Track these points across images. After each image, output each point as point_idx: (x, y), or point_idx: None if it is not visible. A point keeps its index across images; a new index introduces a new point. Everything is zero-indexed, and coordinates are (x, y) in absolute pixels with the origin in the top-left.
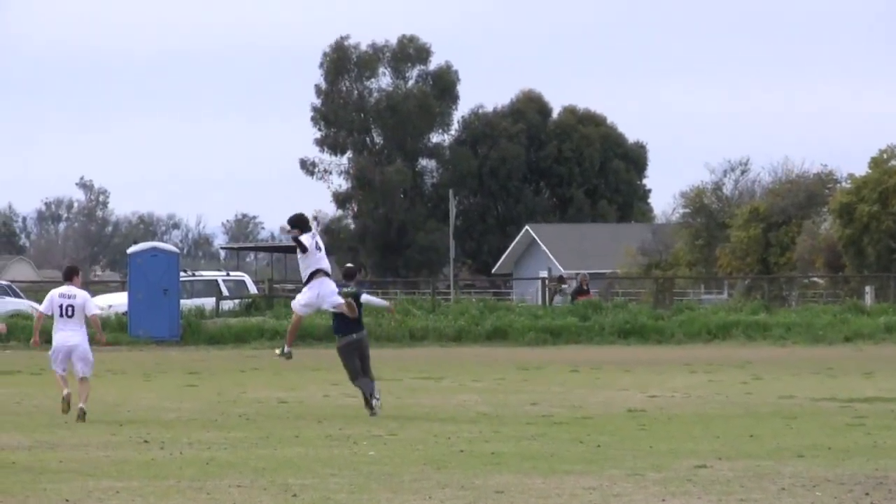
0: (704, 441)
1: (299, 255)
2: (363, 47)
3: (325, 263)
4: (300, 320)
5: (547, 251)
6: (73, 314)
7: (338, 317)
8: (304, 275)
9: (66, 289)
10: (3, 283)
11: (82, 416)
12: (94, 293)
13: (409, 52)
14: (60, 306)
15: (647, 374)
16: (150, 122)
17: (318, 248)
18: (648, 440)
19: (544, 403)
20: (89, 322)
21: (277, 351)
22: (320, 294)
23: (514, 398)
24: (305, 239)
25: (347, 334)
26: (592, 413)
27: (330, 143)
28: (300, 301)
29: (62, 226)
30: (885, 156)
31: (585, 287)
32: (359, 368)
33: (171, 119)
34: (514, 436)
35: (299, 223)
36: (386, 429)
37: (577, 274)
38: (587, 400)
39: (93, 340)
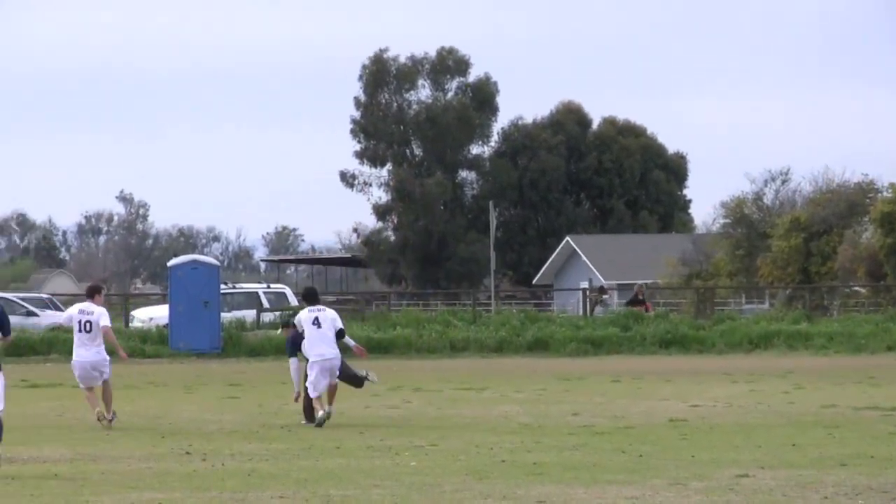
0: (746, 450)
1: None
2: (402, 59)
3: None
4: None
5: (588, 262)
6: (91, 329)
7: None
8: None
9: (86, 305)
10: (44, 296)
11: (111, 421)
12: (134, 306)
13: (449, 64)
14: (80, 322)
15: (688, 383)
16: (190, 135)
17: (317, 324)
18: (690, 450)
19: (586, 413)
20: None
21: (321, 413)
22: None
23: (556, 408)
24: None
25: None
26: (634, 423)
27: (370, 156)
28: (310, 389)
29: (102, 239)
30: None
31: (641, 297)
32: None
33: (211, 132)
34: (555, 446)
35: (307, 296)
36: (427, 439)
37: (634, 284)
38: (629, 410)
39: (112, 353)
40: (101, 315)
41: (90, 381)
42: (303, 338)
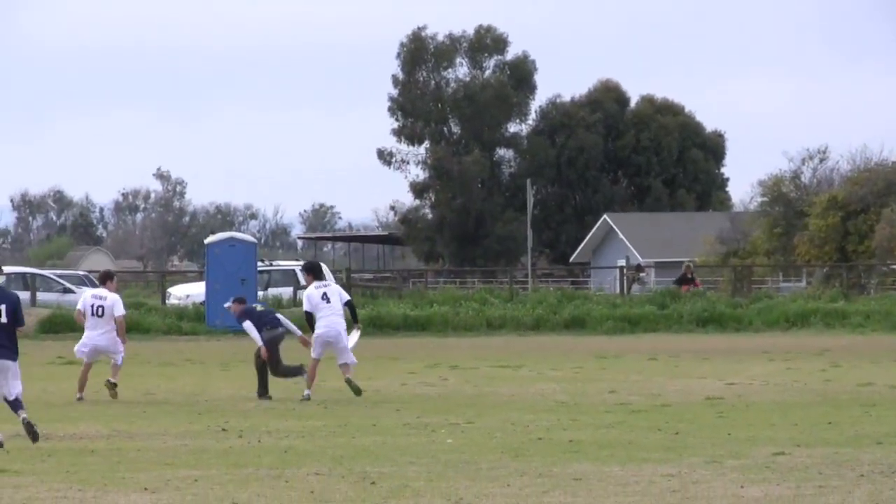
0: (783, 428)
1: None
2: (440, 38)
3: (333, 317)
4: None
5: (625, 240)
6: (102, 314)
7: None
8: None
9: (99, 291)
10: (81, 273)
11: (112, 387)
12: (171, 283)
13: (487, 42)
14: (92, 306)
15: (725, 362)
16: (227, 113)
17: (326, 299)
18: (727, 428)
19: (622, 392)
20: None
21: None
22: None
23: (592, 387)
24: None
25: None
26: (671, 401)
27: (407, 134)
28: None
29: (139, 216)
30: None
31: (690, 276)
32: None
33: (249, 110)
34: (592, 424)
35: (312, 270)
36: (464, 417)
37: (683, 263)
38: (665, 388)
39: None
40: (115, 303)
41: (93, 357)
42: (255, 317)
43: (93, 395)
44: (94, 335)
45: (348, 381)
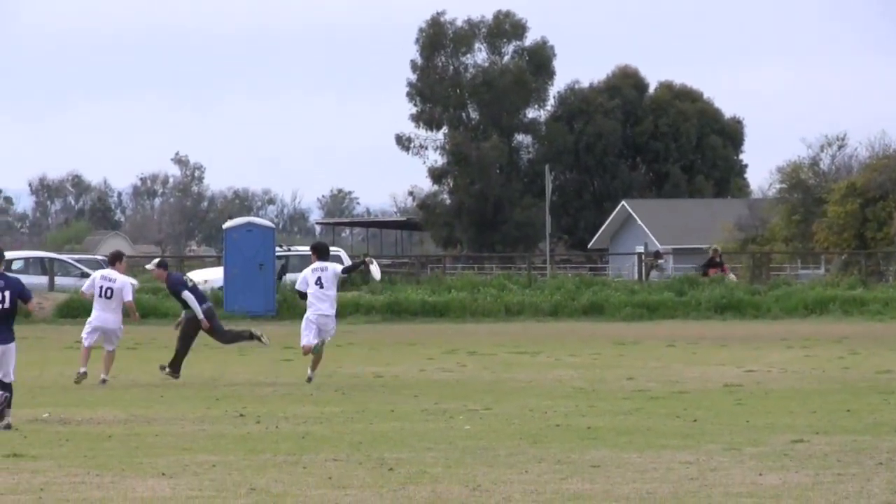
0: (801, 416)
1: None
2: (459, 23)
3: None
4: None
5: (643, 226)
6: (111, 296)
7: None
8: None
9: (108, 272)
10: (99, 258)
11: (103, 383)
12: (189, 268)
13: (505, 27)
14: (101, 288)
15: (743, 349)
16: (245, 98)
17: (319, 284)
18: (745, 415)
19: (640, 378)
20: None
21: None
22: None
23: (610, 373)
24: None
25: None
26: (689, 388)
27: (426, 119)
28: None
29: (157, 201)
30: None
31: (718, 259)
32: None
33: (268, 94)
34: (610, 410)
35: (316, 250)
36: (482, 403)
37: (710, 247)
38: (683, 375)
39: (126, 315)
40: (124, 285)
41: (98, 341)
42: (191, 288)
43: (109, 381)
44: (102, 316)
45: (309, 379)
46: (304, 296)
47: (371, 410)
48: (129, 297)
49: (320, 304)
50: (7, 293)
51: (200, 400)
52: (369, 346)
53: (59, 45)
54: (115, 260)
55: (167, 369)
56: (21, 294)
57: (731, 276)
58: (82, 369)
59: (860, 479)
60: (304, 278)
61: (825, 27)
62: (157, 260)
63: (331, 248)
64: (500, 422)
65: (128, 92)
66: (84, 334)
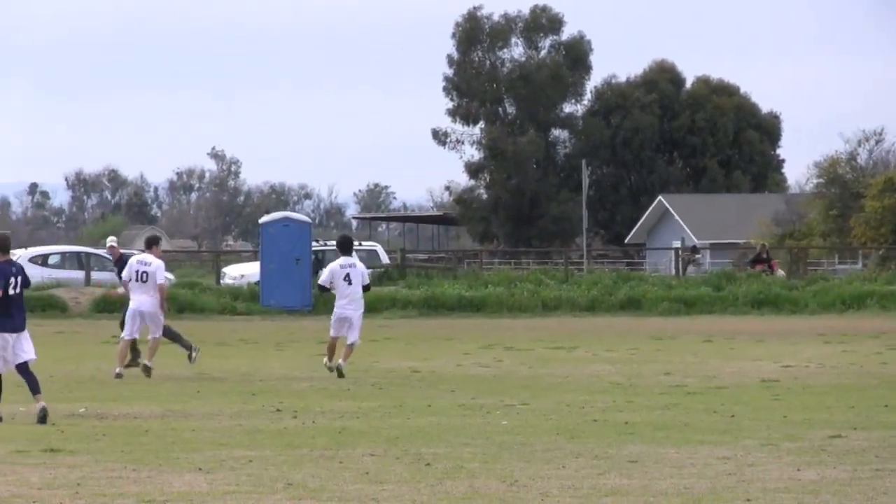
0: (839, 411)
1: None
2: (496, 18)
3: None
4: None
5: (680, 221)
6: (146, 280)
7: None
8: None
9: (144, 256)
10: (135, 252)
11: (147, 371)
12: (225, 263)
13: (542, 22)
14: (136, 272)
15: (780, 344)
16: (281, 93)
17: (348, 281)
18: (782, 410)
19: (678, 373)
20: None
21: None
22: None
23: (648, 368)
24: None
25: None
26: (726, 383)
27: (462, 114)
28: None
29: (194, 196)
30: None
31: (766, 255)
32: None
33: (305, 89)
34: (647, 406)
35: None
36: (518, 398)
37: (755, 243)
38: (721, 370)
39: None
40: (157, 269)
41: (140, 328)
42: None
43: (145, 376)
44: (138, 299)
45: (338, 368)
46: (325, 289)
47: (408, 405)
48: (161, 278)
49: (348, 301)
50: (19, 279)
51: (237, 395)
52: (406, 341)
53: (96, 41)
54: (151, 244)
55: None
56: (25, 281)
57: (780, 272)
58: (118, 369)
59: None
60: (330, 273)
61: (864, 21)
62: (113, 239)
63: (368, 243)
64: (537, 417)
65: (164, 86)
66: (125, 332)
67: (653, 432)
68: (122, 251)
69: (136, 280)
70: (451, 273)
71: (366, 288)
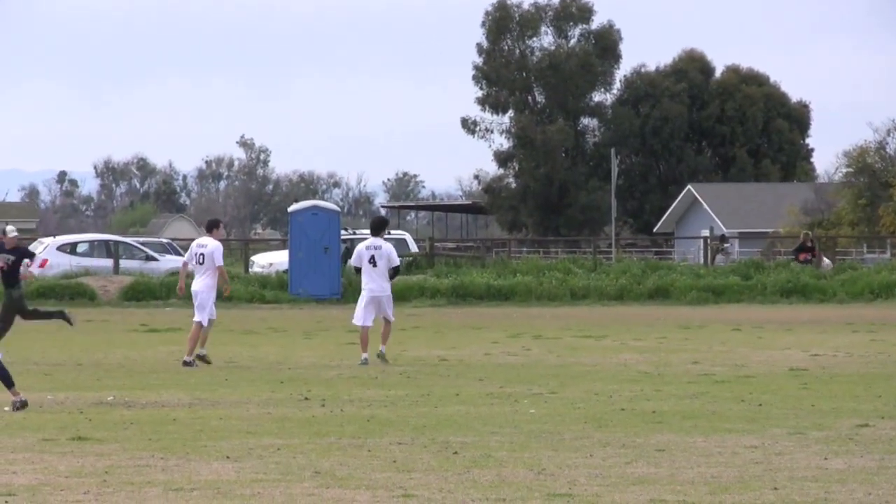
0: (867, 400)
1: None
2: (525, 6)
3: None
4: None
5: (709, 210)
6: (203, 262)
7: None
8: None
9: (202, 239)
10: (164, 240)
11: (203, 359)
12: (254, 251)
13: (572, 11)
14: (195, 254)
15: (809, 333)
16: (312, 81)
17: (373, 263)
18: (810, 399)
19: (706, 362)
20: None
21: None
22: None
23: (676, 357)
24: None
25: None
26: (754, 372)
27: (491, 103)
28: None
29: (223, 184)
30: None
31: (810, 244)
32: None
33: (333, 78)
34: (675, 394)
35: (373, 227)
36: (546, 387)
37: (802, 233)
38: (749, 359)
39: (220, 294)
40: (214, 250)
41: (199, 312)
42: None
43: (173, 364)
44: (196, 281)
45: (380, 355)
46: (359, 271)
47: (436, 394)
48: (220, 261)
49: (373, 284)
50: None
51: (265, 383)
52: (434, 330)
53: (125, 28)
54: (211, 227)
55: None
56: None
57: (826, 262)
58: (188, 357)
59: None
60: (357, 254)
61: (893, 10)
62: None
63: (397, 231)
64: (565, 406)
65: (194, 75)
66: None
67: (680, 421)
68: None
69: (196, 263)
70: (479, 262)
71: (394, 271)
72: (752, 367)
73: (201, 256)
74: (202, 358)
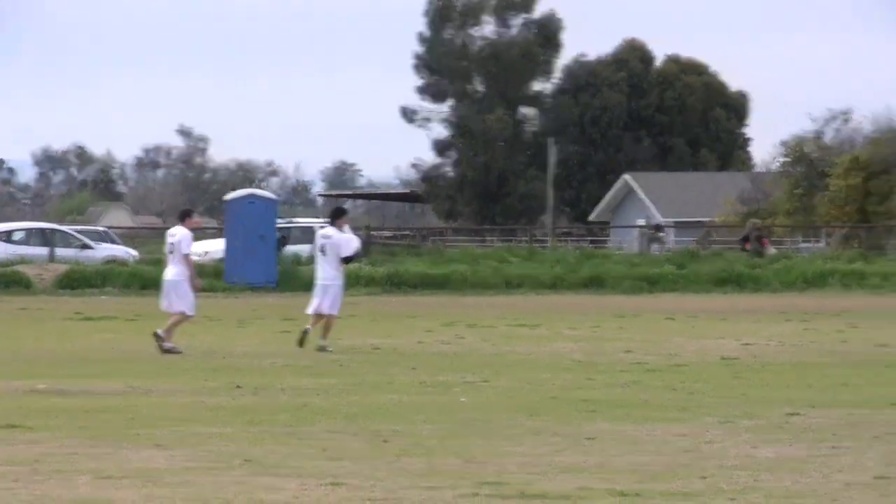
0: (798, 389)
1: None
2: None
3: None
4: None
5: (645, 199)
6: (172, 251)
7: None
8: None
9: (173, 229)
10: (101, 228)
11: (162, 347)
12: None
13: (514, 0)
14: (168, 244)
15: (742, 322)
16: (249, 69)
17: (322, 251)
18: (742, 388)
19: (639, 351)
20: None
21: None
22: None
23: (609, 346)
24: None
25: None
26: (687, 361)
27: (432, 91)
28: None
29: (160, 172)
30: None
31: (756, 234)
32: None
33: (272, 66)
34: (607, 383)
35: (331, 215)
36: (479, 376)
37: (749, 223)
38: (682, 348)
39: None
40: (182, 239)
41: (166, 303)
42: None
43: (108, 353)
44: (166, 272)
45: (305, 332)
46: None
47: (368, 382)
48: (186, 249)
49: (322, 272)
50: None
51: (199, 372)
52: (369, 318)
53: (64, 17)
54: (183, 217)
55: None
56: None
57: (771, 250)
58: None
59: (855, 452)
60: (315, 241)
61: (831, 0)
62: None
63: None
64: (497, 394)
65: (133, 63)
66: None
67: (612, 410)
68: None
69: (168, 252)
70: (415, 250)
71: (346, 260)
72: (685, 356)
73: (171, 246)
74: (157, 337)
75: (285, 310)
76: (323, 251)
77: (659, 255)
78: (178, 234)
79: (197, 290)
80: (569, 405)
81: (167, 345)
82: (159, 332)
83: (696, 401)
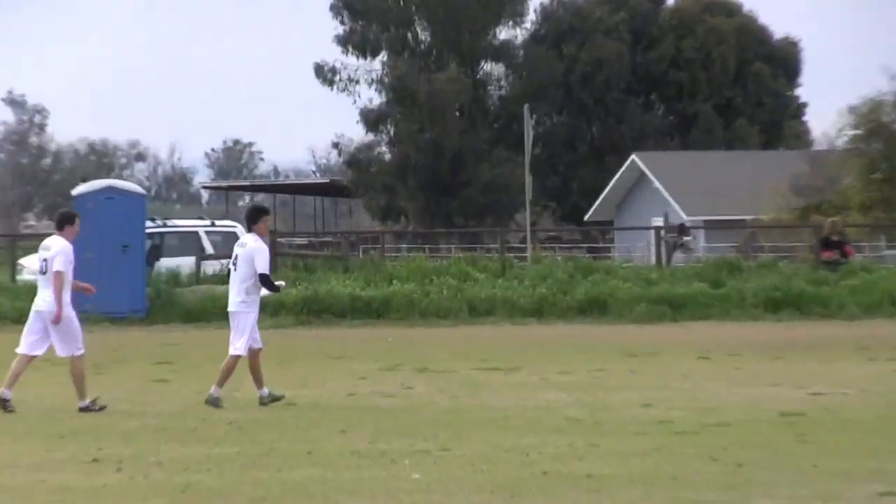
0: (890, 457)
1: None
2: None
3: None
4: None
5: (662, 190)
6: (46, 271)
7: None
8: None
9: (49, 240)
10: None
11: (84, 409)
12: (24, 252)
13: None
14: (40, 261)
15: (807, 362)
16: (104, 17)
17: (234, 266)
18: (811, 457)
19: (661, 405)
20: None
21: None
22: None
23: (619, 397)
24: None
25: None
26: (730, 418)
27: (357, 42)
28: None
29: None
30: None
31: (836, 238)
32: None
33: (135, 12)
34: (618, 451)
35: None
36: (436, 441)
37: (827, 221)
38: (722, 399)
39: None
40: (56, 254)
41: (39, 340)
42: None
43: None
44: (37, 299)
45: (210, 399)
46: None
47: (280, 452)
48: (55, 266)
49: (230, 294)
50: None
51: (39, 438)
52: (277, 360)
53: None
54: (63, 223)
55: None
56: None
57: (857, 260)
58: (1, 389)
59: None
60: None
61: None
62: None
63: (224, 222)
64: (462, 468)
65: None
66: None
67: (626, 489)
68: None
69: (41, 272)
70: (340, 264)
71: (261, 279)
72: (727, 411)
73: (45, 263)
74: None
75: (159, 349)
76: (235, 265)
77: (685, 268)
78: (52, 247)
79: (55, 323)
80: (565, 482)
81: (83, 403)
82: (81, 403)
83: (745, 475)
